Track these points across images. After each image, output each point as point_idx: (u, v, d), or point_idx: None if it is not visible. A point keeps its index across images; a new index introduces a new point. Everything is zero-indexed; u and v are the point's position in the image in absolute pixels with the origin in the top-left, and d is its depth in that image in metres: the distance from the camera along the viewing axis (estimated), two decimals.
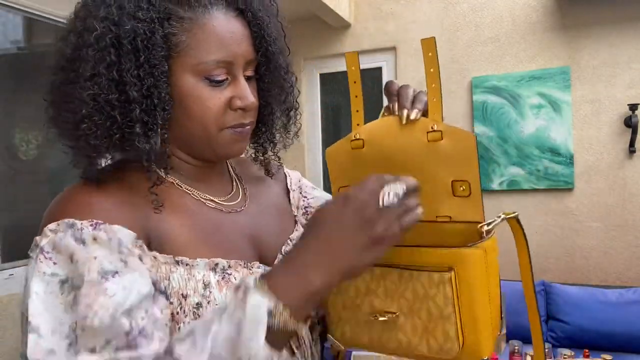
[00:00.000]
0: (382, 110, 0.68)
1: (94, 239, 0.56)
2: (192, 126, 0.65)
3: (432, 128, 0.61)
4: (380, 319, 0.61)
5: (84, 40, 0.59)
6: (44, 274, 0.55)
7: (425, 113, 0.63)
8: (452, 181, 0.62)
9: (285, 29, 0.73)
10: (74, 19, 0.63)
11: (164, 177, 0.66)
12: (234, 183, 0.77)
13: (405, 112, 0.62)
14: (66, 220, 0.57)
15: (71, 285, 0.55)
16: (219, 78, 0.64)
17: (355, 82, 0.66)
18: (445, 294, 0.58)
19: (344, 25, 3.62)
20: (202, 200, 0.69)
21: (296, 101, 0.78)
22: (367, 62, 3.62)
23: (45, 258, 0.56)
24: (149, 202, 0.63)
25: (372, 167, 0.64)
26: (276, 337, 0.52)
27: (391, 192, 0.53)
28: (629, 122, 2.98)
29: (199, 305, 0.60)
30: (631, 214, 3.05)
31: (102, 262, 0.55)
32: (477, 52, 3.34)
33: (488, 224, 0.60)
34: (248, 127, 0.69)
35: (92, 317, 0.52)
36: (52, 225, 0.57)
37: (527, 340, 2.80)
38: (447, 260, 0.58)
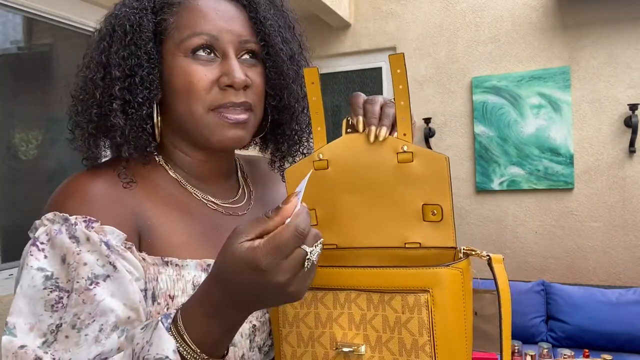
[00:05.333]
0: (344, 125, 0.63)
1: (87, 239, 0.56)
2: (179, 106, 0.64)
3: (402, 149, 0.57)
4: (344, 349, 0.54)
5: (92, 40, 0.67)
6: (32, 267, 0.55)
7: (392, 127, 0.60)
8: (422, 205, 0.58)
9: (294, 22, 0.72)
10: None
11: (167, 168, 0.68)
12: (241, 186, 0.76)
13: (373, 130, 0.58)
14: (61, 214, 0.58)
15: (56, 285, 0.55)
16: (204, 52, 0.63)
17: (315, 99, 0.60)
18: (420, 320, 0.52)
19: (344, 25, 3.62)
20: (203, 200, 0.69)
21: (300, 99, 0.73)
22: (367, 62, 3.62)
23: (38, 250, 0.56)
24: (146, 196, 0.64)
25: (338, 189, 0.60)
26: None
27: (315, 254, 0.46)
28: (629, 122, 2.98)
29: None
30: (631, 214, 3.05)
31: (92, 267, 0.55)
32: (477, 52, 3.34)
33: (472, 250, 0.55)
34: (243, 115, 0.65)
35: (80, 327, 0.53)
36: (49, 215, 0.58)
37: (527, 340, 2.80)
38: (422, 282, 0.52)
